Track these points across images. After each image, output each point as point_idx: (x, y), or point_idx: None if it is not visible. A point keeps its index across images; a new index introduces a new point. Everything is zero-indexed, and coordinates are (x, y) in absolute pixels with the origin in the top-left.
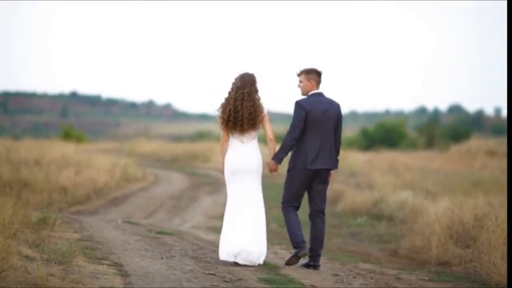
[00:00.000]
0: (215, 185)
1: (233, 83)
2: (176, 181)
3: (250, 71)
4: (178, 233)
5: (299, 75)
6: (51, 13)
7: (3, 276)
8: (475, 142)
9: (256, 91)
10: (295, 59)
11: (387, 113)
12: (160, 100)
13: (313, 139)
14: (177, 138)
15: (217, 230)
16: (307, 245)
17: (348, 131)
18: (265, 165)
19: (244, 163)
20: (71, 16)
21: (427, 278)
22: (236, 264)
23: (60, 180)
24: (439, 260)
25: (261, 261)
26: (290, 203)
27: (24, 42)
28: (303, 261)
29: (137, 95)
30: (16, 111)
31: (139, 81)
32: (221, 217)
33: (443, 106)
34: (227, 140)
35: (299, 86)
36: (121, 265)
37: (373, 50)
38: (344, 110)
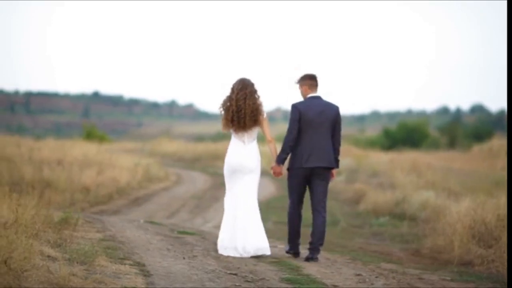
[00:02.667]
0: None
1: (233, 88)
2: (198, 181)
3: (247, 77)
4: (200, 233)
5: (296, 83)
6: (74, 13)
7: (26, 276)
8: (498, 142)
9: (256, 91)
10: (316, 60)
11: (409, 113)
12: (182, 100)
13: (308, 139)
14: (199, 138)
15: None
16: (299, 247)
17: (370, 131)
18: (261, 165)
19: (244, 162)
20: (94, 16)
21: (449, 278)
22: (234, 257)
23: (82, 180)
24: (461, 260)
25: (264, 252)
26: (293, 200)
27: (46, 42)
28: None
29: (159, 95)
30: (38, 111)
31: (161, 81)
32: None
33: (466, 106)
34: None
35: (300, 94)
36: (143, 265)
37: (396, 49)
38: (367, 110)
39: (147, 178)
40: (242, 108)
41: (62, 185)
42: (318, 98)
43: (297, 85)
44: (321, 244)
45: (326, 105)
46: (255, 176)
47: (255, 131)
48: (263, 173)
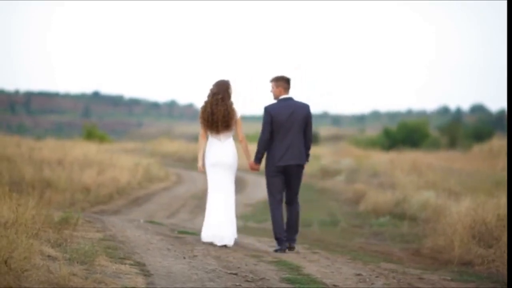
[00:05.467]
0: (237, 185)
1: (211, 89)
2: (198, 181)
3: (226, 79)
4: (200, 233)
5: (271, 81)
6: (74, 13)
7: (26, 275)
8: (498, 142)
9: (229, 96)
10: (316, 60)
11: (409, 113)
12: (183, 100)
13: (281, 139)
14: None
15: (239, 230)
16: (286, 243)
17: (371, 131)
18: (239, 160)
19: (221, 158)
20: (94, 16)
21: (449, 278)
22: (212, 244)
23: (83, 180)
24: (461, 260)
25: (231, 243)
26: (273, 197)
27: (46, 42)
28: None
29: (160, 95)
30: (39, 111)
31: (162, 81)
32: (242, 217)
33: (466, 106)
34: (205, 138)
35: (271, 91)
36: (144, 265)
37: (396, 49)
38: (367, 110)
39: (148, 178)
40: (215, 113)
41: (62, 185)
42: (290, 99)
43: (271, 84)
44: (296, 233)
45: (297, 106)
46: (232, 172)
47: (231, 131)
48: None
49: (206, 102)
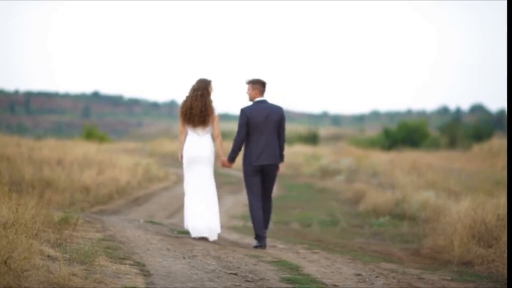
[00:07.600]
0: (237, 184)
1: (192, 86)
2: None
3: (208, 78)
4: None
5: (247, 83)
6: (74, 13)
7: (26, 275)
8: (498, 142)
9: (208, 94)
10: (316, 60)
11: (409, 112)
12: (182, 100)
13: (257, 140)
14: None
15: (239, 229)
16: (266, 240)
17: (370, 131)
18: (218, 157)
19: (199, 152)
20: (94, 16)
21: (449, 278)
22: (194, 238)
23: (82, 180)
24: (461, 259)
25: (214, 238)
26: (253, 195)
27: (46, 42)
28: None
29: (159, 95)
30: (38, 111)
31: (161, 81)
32: (242, 217)
33: (465, 106)
34: (183, 132)
35: (247, 93)
36: (143, 265)
37: (396, 49)
38: (366, 109)
39: (147, 178)
40: (193, 107)
41: (62, 185)
42: (264, 102)
43: (247, 85)
44: (267, 228)
45: (272, 108)
46: (210, 165)
47: (208, 126)
48: None
49: (187, 97)
